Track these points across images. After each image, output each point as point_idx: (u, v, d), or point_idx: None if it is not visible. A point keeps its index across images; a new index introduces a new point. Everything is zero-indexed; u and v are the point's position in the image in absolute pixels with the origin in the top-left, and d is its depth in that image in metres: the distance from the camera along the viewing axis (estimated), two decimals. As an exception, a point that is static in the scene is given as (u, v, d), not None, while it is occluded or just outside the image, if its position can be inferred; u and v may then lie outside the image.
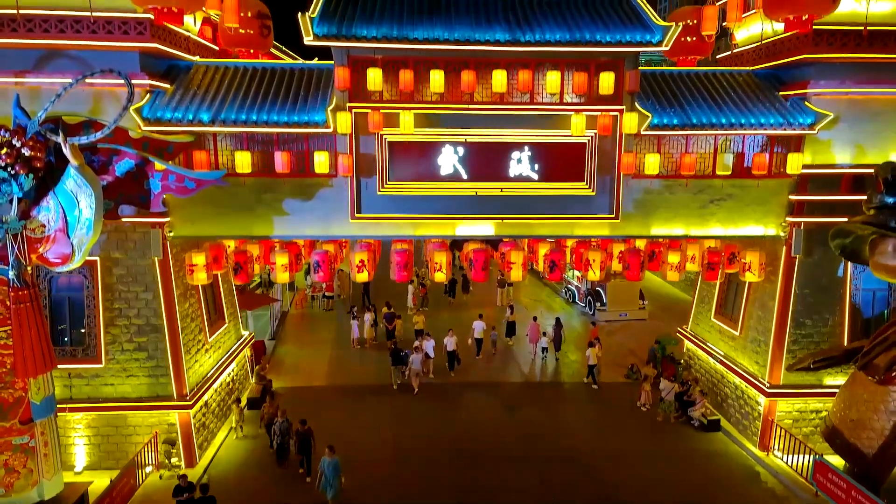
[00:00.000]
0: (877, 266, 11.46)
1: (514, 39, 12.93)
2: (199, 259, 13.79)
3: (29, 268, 11.01)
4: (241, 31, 15.84)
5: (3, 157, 10.29)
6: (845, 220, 13.59)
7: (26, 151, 10.48)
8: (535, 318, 22.24)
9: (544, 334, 21.55)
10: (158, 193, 11.88)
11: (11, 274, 10.58)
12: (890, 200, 11.41)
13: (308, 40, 12.64)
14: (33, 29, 12.35)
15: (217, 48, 16.84)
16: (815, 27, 13.24)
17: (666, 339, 20.02)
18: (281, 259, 14.04)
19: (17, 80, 12.64)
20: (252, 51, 16.90)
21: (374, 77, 12.98)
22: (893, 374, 11.78)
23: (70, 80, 11.23)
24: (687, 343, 19.23)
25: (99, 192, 10.83)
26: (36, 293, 11.09)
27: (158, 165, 11.82)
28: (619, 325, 25.37)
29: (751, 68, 15.53)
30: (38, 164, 10.71)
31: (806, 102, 13.95)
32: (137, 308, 13.63)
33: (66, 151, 10.64)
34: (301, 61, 15.07)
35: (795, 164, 13.78)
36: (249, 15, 16.05)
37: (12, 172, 10.44)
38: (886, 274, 11.48)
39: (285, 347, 22.58)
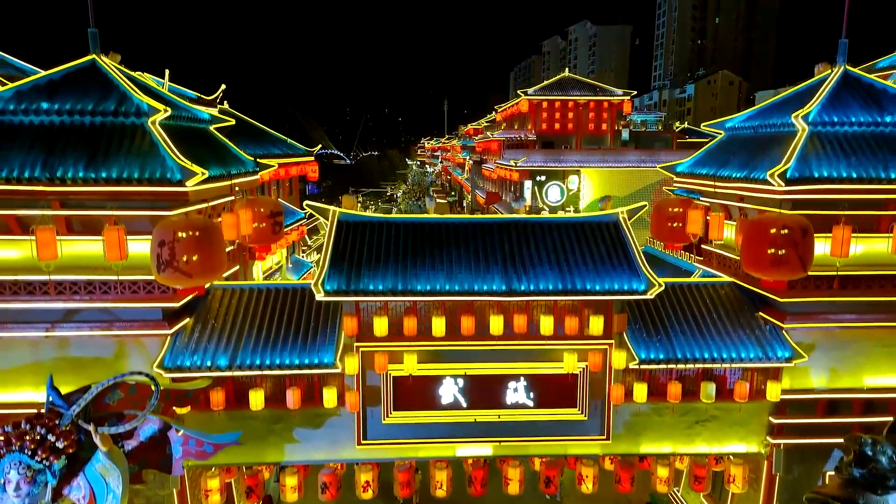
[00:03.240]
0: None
1: (510, 290, 13.91)
2: (214, 483, 14.65)
3: (60, 543, 11.84)
4: (254, 224, 16.87)
5: (39, 453, 11.16)
6: (822, 441, 14.67)
7: (60, 444, 11.35)
8: None
9: None
10: (179, 458, 12.71)
11: (45, 557, 11.41)
12: (857, 473, 12.27)
13: (319, 297, 13.62)
14: (63, 292, 13.32)
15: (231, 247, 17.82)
16: (790, 273, 14.22)
17: (657, 498, 20.79)
18: (290, 481, 14.90)
19: (47, 333, 13.60)
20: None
21: (380, 325, 13.93)
22: None
23: (104, 381, 11.83)
24: (678, 509, 20.06)
25: (125, 469, 11.71)
26: (66, 565, 11.90)
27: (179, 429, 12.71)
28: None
29: (732, 279, 16.49)
30: (71, 450, 11.58)
31: (783, 332, 14.90)
32: (156, 534, 14.47)
33: (96, 440, 11.51)
34: (310, 281, 15.94)
35: (774, 392, 14.68)
36: (262, 211, 17.08)
37: (46, 464, 11.30)
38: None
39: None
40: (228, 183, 15.17)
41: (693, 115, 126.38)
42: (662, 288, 13.82)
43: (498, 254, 14.74)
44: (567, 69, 63.87)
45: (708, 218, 17.34)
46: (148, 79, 21.49)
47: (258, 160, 18.03)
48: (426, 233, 15.25)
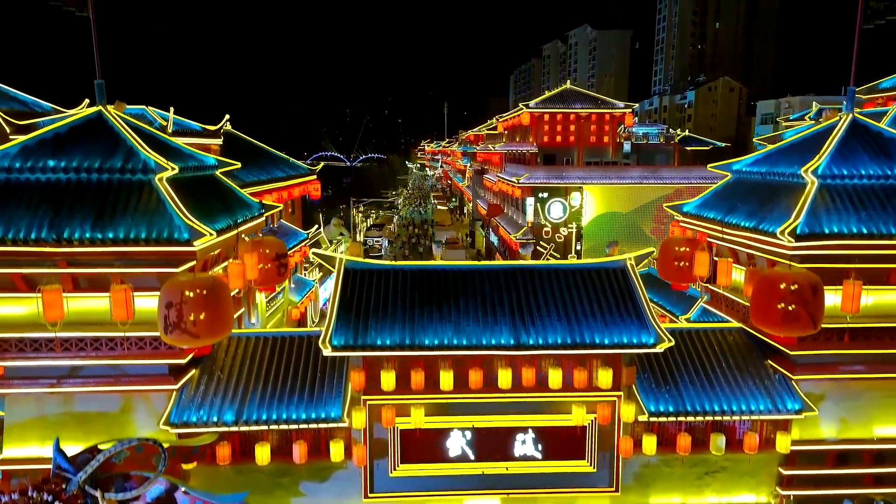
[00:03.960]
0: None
1: (518, 344, 13.84)
2: (221, 536, 14.53)
3: None
4: (259, 266, 16.76)
5: None
6: (832, 492, 14.59)
7: (67, 511, 11.29)
8: None
9: None
10: (187, 519, 12.66)
11: None
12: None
13: (327, 352, 13.54)
14: (70, 348, 13.23)
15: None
16: (800, 326, 14.13)
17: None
18: (298, 533, 14.79)
19: (52, 390, 13.51)
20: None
21: (388, 379, 13.85)
22: None
23: (109, 447, 11.80)
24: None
25: (132, 534, 11.64)
26: None
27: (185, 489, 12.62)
28: None
29: (740, 325, 16.38)
30: (77, 515, 11.51)
31: (793, 383, 14.82)
32: (162, 588, 14.34)
33: (103, 507, 11.45)
34: (317, 329, 15.86)
35: (784, 443, 14.59)
36: (267, 252, 16.96)
37: (54, 532, 11.23)
38: None
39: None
40: (235, 232, 15.06)
41: (693, 122, 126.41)
42: (672, 343, 13.74)
43: (506, 304, 14.66)
44: (569, 80, 63.89)
45: (716, 259, 17.30)
46: (153, 112, 21.46)
47: (263, 202, 17.97)
48: (433, 281, 15.18)
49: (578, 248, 47.03)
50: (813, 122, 64.42)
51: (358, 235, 75.55)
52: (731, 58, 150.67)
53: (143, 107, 21.42)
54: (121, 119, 14.06)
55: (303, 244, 34.78)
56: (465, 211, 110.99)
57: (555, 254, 47.20)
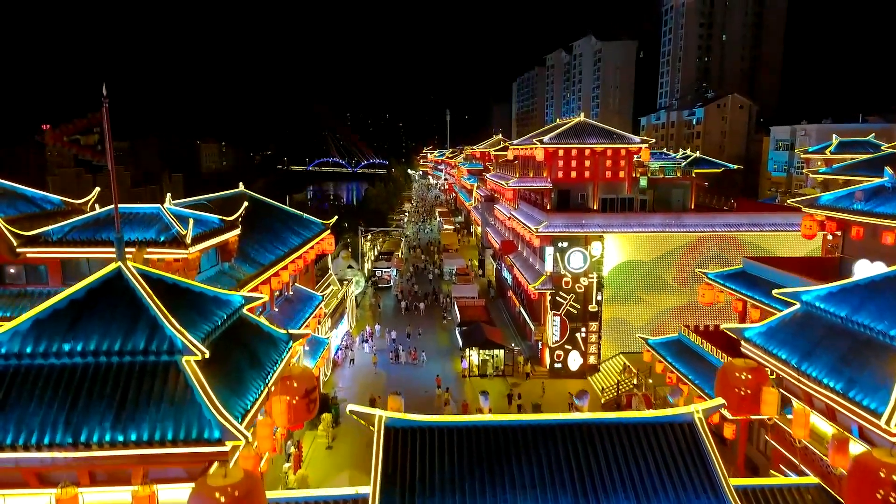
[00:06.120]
0: None
1: (585, 532, 12.45)
2: None
3: None
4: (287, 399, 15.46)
5: None
6: None
7: None
8: None
9: None
10: None
11: None
12: None
13: (371, 543, 12.16)
14: (86, 548, 11.85)
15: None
16: None
17: None
18: None
19: (68, 589, 12.13)
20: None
21: (439, 573, 12.46)
22: None
23: None
24: None
25: None
26: None
27: None
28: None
29: (818, 481, 14.96)
30: None
31: (884, 562, 13.41)
32: None
33: None
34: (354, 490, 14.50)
35: None
36: (296, 386, 15.60)
37: None
38: None
39: None
40: (266, 390, 13.72)
41: (702, 139, 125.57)
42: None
43: (565, 474, 13.26)
44: (580, 113, 62.58)
45: (783, 392, 15.91)
46: (168, 214, 20.07)
47: (291, 333, 16.59)
48: (482, 442, 13.82)
49: (599, 297, 45.54)
50: (834, 155, 62.82)
51: (366, 265, 74.24)
52: (739, 71, 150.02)
53: (159, 206, 20.05)
54: (141, 275, 12.70)
55: (319, 307, 33.52)
56: (471, 230, 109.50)
57: (575, 304, 45.87)
